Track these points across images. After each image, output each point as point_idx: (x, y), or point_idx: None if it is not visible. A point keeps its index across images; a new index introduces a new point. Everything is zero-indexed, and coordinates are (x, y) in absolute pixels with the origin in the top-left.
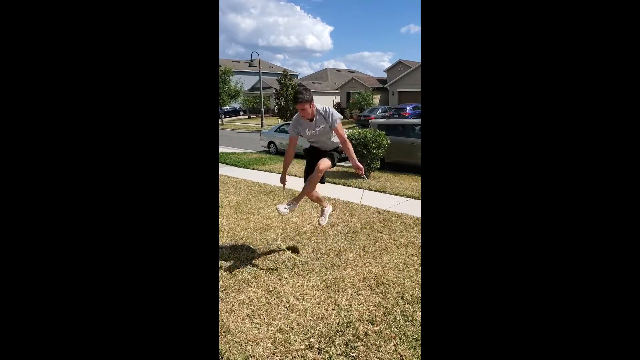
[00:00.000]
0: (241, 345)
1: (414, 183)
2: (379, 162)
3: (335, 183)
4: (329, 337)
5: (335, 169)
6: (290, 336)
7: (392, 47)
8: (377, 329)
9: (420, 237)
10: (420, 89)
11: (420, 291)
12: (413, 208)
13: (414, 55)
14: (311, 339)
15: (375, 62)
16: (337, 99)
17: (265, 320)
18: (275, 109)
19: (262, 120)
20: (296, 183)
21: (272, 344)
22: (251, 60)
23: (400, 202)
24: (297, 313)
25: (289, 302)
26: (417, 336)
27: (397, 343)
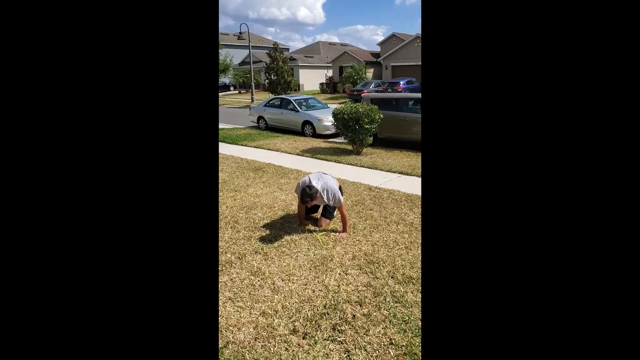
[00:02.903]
0: (221, 331)
1: (407, 159)
2: (371, 138)
3: (327, 160)
4: (315, 321)
5: (326, 145)
6: (274, 320)
7: (386, 20)
8: (365, 311)
9: (411, 214)
10: (414, 63)
11: (410, 270)
12: (405, 184)
13: (409, 28)
14: (296, 323)
15: (369, 36)
16: (330, 73)
17: (248, 304)
18: (266, 83)
19: (252, 95)
20: (287, 159)
21: (254, 329)
22: (240, 33)
23: (392, 178)
24: (282, 295)
25: (274, 284)
26: (407, 318)
27: (386, 326)
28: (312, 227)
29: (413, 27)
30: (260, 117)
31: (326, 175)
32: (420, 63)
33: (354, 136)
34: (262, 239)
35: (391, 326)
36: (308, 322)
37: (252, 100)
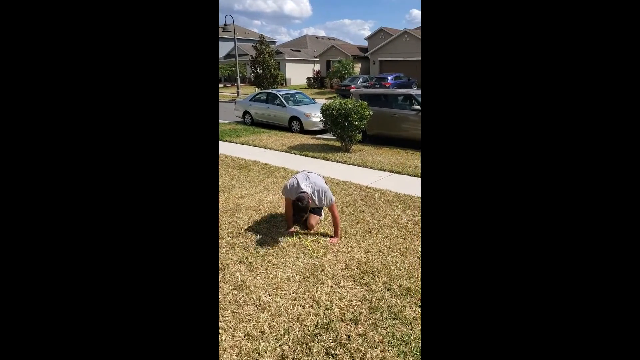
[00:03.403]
0: None
1: (397, 157)
2: (360, 135)
3: (315, 157)
4: (306, 344)
5: (314, 142)
6: (259, 344)
7: (373, 15)
8: (361, 330)
9: (404, 216)
10: (402, 58)
11: (407, 281)
12: (396, 184)
13: (396, 22)
14: (284, 347)
15: (356, 31)
16: (317, 67)
17: (231, 324)
18: (252, 77)
19: (237, 89)
20: (274, 156)
21: (237, 356)
22: (225, 25)
23: (383, 177)
24: (269, 313)
25: (259, 300)
26: (407, 338)
27: (384, 348)
28: (300, 230)
29: (400, 22)
30: (245, 112)
31: (312, 174)
32: (408, 58)
33: (342, 133)
34: (247, 247)
35: (390, 348)
36: (298, 346)
37: (238, 95)
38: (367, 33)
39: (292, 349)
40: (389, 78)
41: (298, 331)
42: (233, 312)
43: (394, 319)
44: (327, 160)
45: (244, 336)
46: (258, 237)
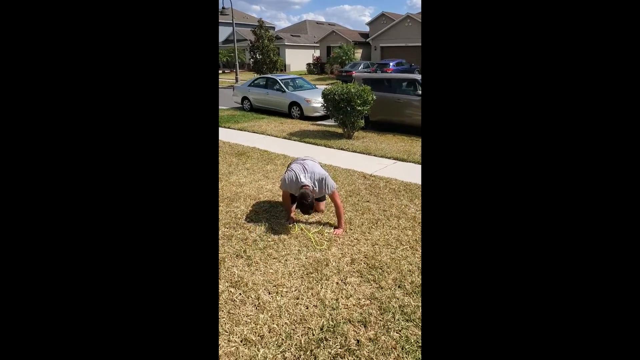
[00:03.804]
0: None
1: (401, 143)
2: (363, 121)
3: (316, 144)
4: (311, 351)
5: (315, 128)
6: (258, 350)
7: (373, 1)
8: (371, 333)
9: (412, 206)
10: (404, 44)
11: (420, 277)
12: (401, 172)
13: (397, 8)
14: (286, 354)
15: (356, 17)
16: (317, 53)
17: (227, 327)
18: (251, 62)
19: (236, 74)
20: (273, 143)
21: None
22: (223, 8)
23: (387, 164)
24: (269, 314)
25: (258, 298)
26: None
27: (398, 355)
28: (302, 219)
29: (401, 7)
30: (244, 98)
31: (306, 161)
32: (410, 44)
33: (345, 118)
34: (245, 239)
35: (404, 354)
36: (302, 353)
37: (237, 80)
38: (368, 19)
39: (294, 356)
40: (391, 64)
41: (301, 335)
42: (229, 312)
43: (407, 320)
44: (329, 147)
45: (241, 341)
46: (257, 228)
